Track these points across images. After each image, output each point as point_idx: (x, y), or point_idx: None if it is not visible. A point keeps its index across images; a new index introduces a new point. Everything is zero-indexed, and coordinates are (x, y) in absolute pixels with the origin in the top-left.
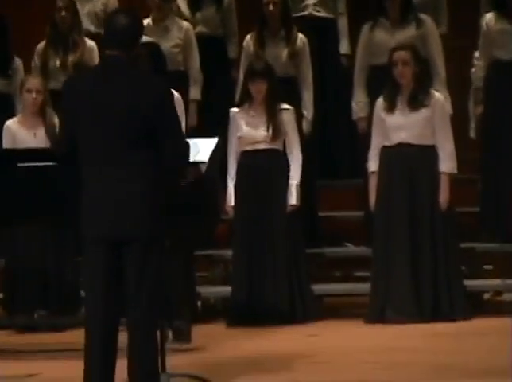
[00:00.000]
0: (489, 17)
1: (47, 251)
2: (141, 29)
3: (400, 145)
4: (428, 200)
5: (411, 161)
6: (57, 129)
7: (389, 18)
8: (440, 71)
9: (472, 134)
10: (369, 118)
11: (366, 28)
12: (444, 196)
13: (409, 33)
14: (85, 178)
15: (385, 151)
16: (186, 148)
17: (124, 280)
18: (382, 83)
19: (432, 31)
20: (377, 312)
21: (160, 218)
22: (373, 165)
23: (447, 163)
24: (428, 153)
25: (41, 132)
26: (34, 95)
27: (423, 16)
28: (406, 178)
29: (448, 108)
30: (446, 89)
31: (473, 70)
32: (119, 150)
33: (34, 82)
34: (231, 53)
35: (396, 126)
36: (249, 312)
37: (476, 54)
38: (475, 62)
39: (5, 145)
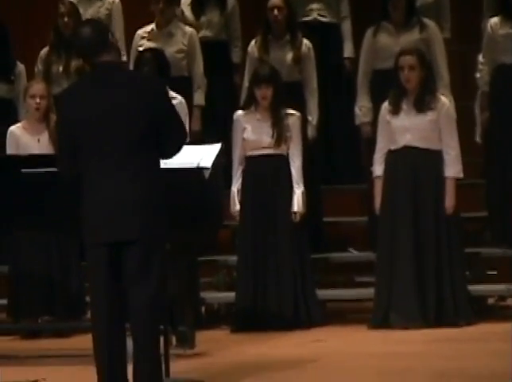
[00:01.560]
0: (494, 21)
1: (51, 256)
2: (103, 32)
3: (405, 148)
4: (432, 204)
5: (416, 165)
6: None
7: (393, 22)
8: (444, 75)
9: (478, 138)
10: (372, 123)
11: (369, 32)
12: (449, 201)
13: (412, 37)
14: (85, 183)
15: (391, 155)
16: (185, 138)
17: (126, 280)
18: (385, 87)
19: (436, 35)
20: (380, 317)
21: (161, 219)
22: (378, 169)
23: (453, 167)
24: (434, 158)
25: (45, 138)
26: (38, 100)
27: (426, 20)
28: (411, 183)
29: (453, 112)
30: (450, 93)
31: (478, 75)
32: (119, 153)
33: (38, 87)
34: (235, 58)
35: (402, 128)
36: (253, 317)
37: (480, 58)
38: (480, 67)
39: (9, 150)
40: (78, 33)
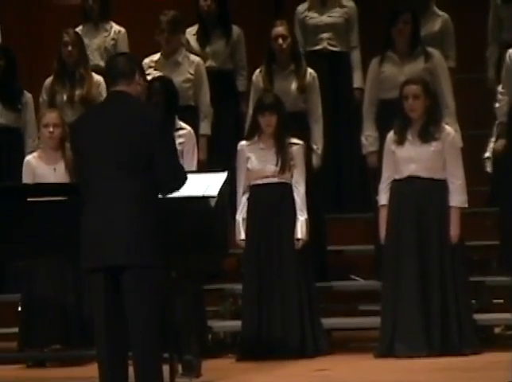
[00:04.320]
0: None
1: (65, 284)
2: (136, 63)
3: (410, 178)
4: (437, 233)
5: (421, 194)
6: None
7: (397, 52)
8: (450, 104)
9: (489, 168)
10: (379, 153)
11: (374, 62)
12: (454, 231)
13: (417, 66)
14: (84, 209)
15: (396, 184)
16: (183, 175)
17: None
18: (391, 117)
19: (441, 64)
20: (386, 346)
21: (155, 246)
22: (383, 198)
23: (457, 197)
24: (438, 187)
25: (61, 167)
26: (51, 129)
27: (431, 49)
28: (416, 212)
29: (459, 141)
30: (456, 122)
31: (497, 105)
32: (114, 180)
33: (51, 116)
34: (241, 87)
35: (406, 158)
36: (259, 346)
37: (500, 89)
38: (499, 97)
39: (25, 180)
40: (107, 63)
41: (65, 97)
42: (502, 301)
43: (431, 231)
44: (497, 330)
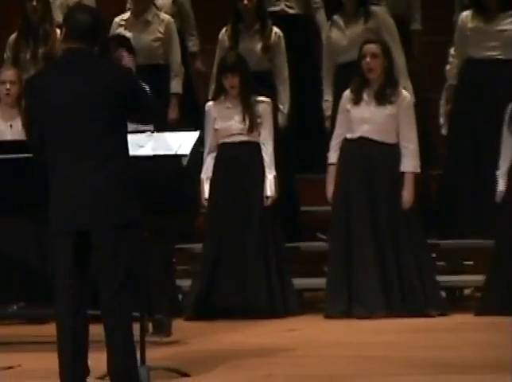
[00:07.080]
0: (465, 14)
1: (28, 242)
2: (100, 24)
3: (361, 138)
4: (387, 196)
5: (371, 157)
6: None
7: (344, 14)
8: (398, 60)
9: (444, 131)
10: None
11: (326, 27)
12: (407, 195)
13: (358, 28)
14: (51, 171)
15: (346, 144)
16: (157, 107)
17: (96, 269)
18: (345, 80)
19: (384, 21)
20: (342, 307)
21: (132, 205)
22: (333, 156)
23: (411, 162)
24: (390, 151)
25: (18, 123)
26: (8, 86)
27: (375, 8)
28: (366, 173)
29: (411, 98)
30: (407, 79)
31: (448, 67)
32: (86, 140)
33: (8, 73)
34: (193, 47)
35: (360, 118)
36: (211, 306)
37: (452, 51)
38: (450, 59)
39: None
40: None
41: (29, 54)
42: (472, 263)
43: (381, 194)
44: (467, 292)
